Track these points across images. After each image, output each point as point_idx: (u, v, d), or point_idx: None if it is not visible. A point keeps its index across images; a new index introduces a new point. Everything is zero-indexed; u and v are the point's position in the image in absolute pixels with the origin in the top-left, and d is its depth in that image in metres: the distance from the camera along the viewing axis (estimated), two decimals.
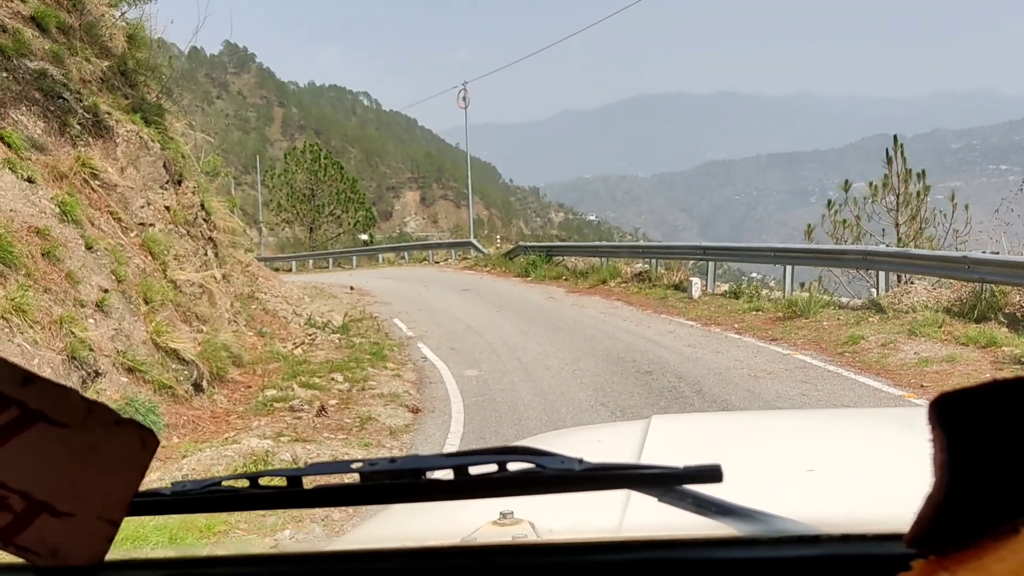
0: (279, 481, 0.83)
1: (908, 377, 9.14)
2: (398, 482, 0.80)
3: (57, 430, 0.60)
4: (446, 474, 0.81)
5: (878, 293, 13.63)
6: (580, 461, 0.80)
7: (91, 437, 0.61)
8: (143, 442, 0.64)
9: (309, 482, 0.83)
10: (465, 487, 0.80)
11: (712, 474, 0.77)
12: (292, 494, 0.83)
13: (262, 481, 0.84)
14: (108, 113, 10.53)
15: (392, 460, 0.83)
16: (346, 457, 6.93)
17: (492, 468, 0.79)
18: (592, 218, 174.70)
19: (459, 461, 0.81)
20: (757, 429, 1.61)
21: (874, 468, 1.33)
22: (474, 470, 0.80)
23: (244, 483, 0.84)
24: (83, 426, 0.61)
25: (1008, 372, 8.81)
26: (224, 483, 0.85)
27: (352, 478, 0.82)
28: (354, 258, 40.53)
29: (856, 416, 1.75)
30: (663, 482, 0.85)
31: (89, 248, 8.50)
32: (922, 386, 8.71)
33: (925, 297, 12.60)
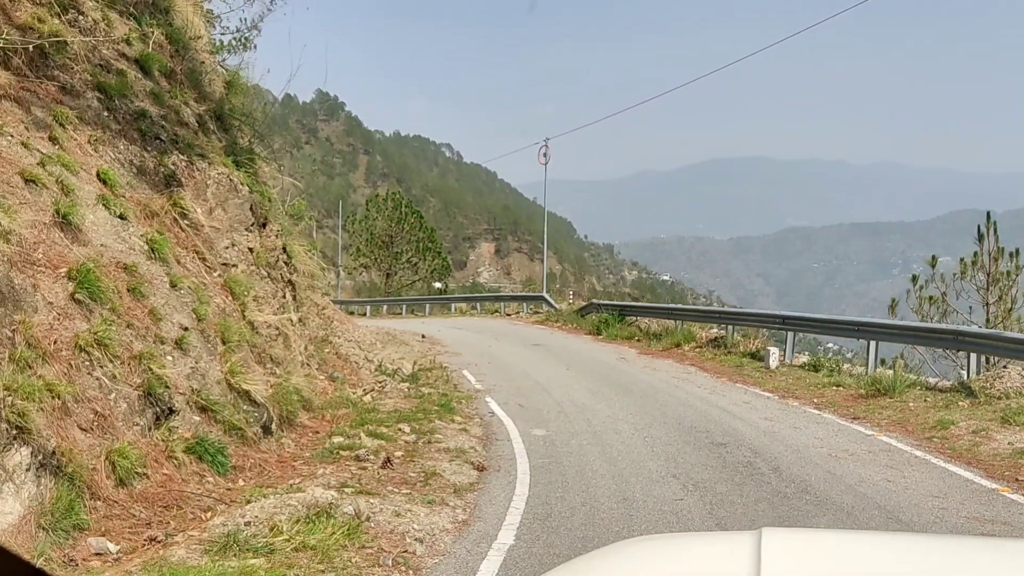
0: None
1: (1002, 469, 8.60)
2: None
3: None
4: None
5: (968, 375, 12.99)
6: None
7: None
8: None
9: None
10: None
11: None
12: None
13: None
14: (202, 155, 10.82)
15: None
16: (408, 515, 6.79)
17: None
18: (666, 278, 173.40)
19: None
20: (897, 562, 1.41)
21: None
22: None
23: None
24: None
25: None
26: None
27: None
28: (427, 306, 40.83)
29: (1005, 547, 1.52)
30: None
31: (173, 286, 8.66)
32: (1017, 479, 8.19)
33: (1020, 383, 11.95)
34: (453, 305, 41.03)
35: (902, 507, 7.32)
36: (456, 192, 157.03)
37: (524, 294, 42.83)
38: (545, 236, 41.80)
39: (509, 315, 35.63)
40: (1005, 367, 13.12)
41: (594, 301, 30.53)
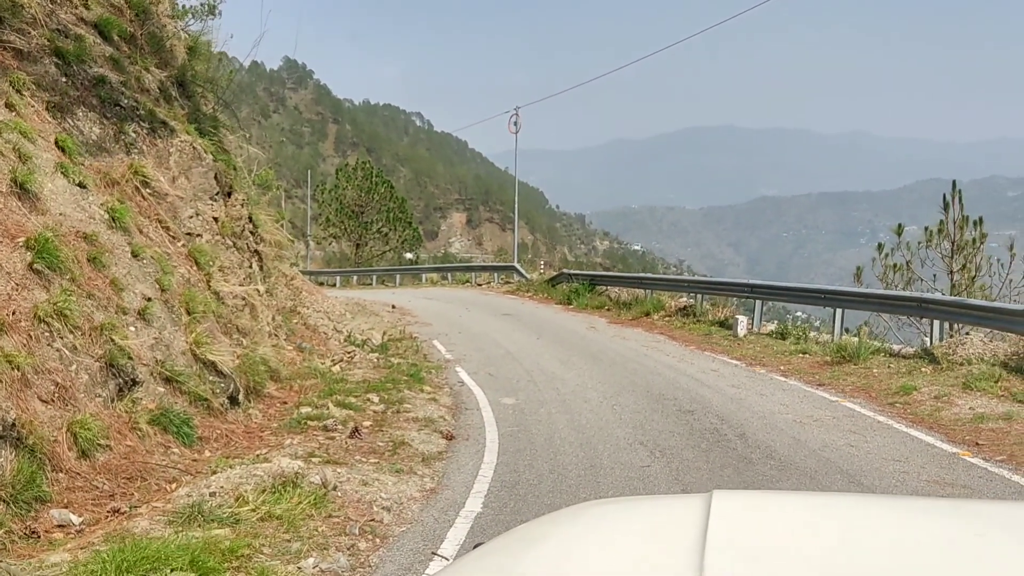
0: None
1: (963, 433, 8.76)
2: None
3: None
4: None
5: (931, 342, 13.19)
6: None
7: None
8: None
9: None
10: None
11: None
12: None
13: None
14: (164, 123, 10.62)
15: None
16: (375, 484, 6.78)
17: None
18: (637, 248, 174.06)
19: None
20: (848, 520, 1.40)
21: None
22: None
23: None
24: None
25: None
26: None
27: None
28: (398, 276, 40.68)
29: (961, 509, 1.51)
30: None
31: (135, 256, 8.52)
32: (977, 444, 8.34)
33: (981, 349, 12.15)
34: (424, 276, 40.92)
35: (864, 471, 7.43)
36: (427, 162, 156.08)
37: (495, 264, 42.82)
38: (516, 206, 41.66)
39: (480, 285, 35.60)
40: (967, 334, 13.35)
41: (565, 271, 30.57)
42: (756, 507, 1.49)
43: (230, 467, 6.56)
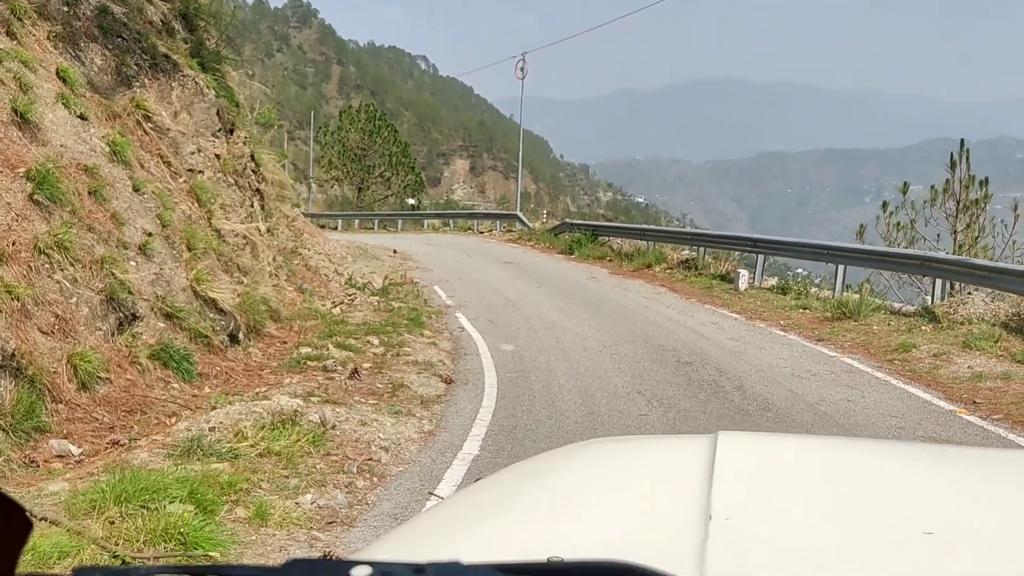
0: None
1: (960, 392, 8.78)
2: None
3: None
4: None
5: (932, 301, 13.17)
6: None
7: None
8: (7, 519, 0.46)
9: None
10: None
11: None
12: None
13: None
14: (166, 56, 10.46)
15: (418, 570, 0.58)
16: (374, 425, 6.81)
17: None
18: (640, 200, 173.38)
19: None
20: (851, 462, 1.38)
21: (1016, 543, 1.08)
22: None
23: None
24: None
25: None
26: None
27: None
28: (400, 221, 40.56)
29: (969, 455, 1.50)
30: None
31: (136, 190, 8.46)
32: (975, 402, 8.36)
33: (982, 309, 12.13)
34: (426, 222, 40.80)
35: (860, 425, 7.47)
36: (431, 106, 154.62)
37: (498, 212, 42.68)
38: (520, 154, 41.36)
39: (482, 233, 35.51)
40: (970, 294, 13.32)
41: (567, 220, 30.47)
42: (762, 447, 1.47)
43: (229, 403, 6.58)
